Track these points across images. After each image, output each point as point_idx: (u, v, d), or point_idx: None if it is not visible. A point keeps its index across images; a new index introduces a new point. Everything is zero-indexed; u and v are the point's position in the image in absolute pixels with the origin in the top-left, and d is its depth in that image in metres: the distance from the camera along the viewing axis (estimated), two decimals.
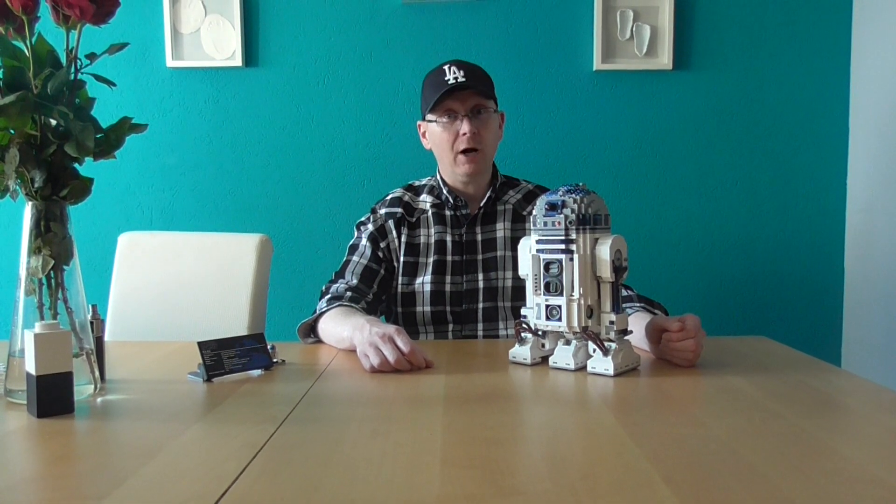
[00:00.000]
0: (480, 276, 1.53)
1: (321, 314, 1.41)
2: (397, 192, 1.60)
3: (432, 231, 1.55)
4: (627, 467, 0.70)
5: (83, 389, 0.98)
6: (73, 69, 0.95)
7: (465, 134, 1.46)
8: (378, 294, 1.51)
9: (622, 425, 0.83)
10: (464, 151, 1.47)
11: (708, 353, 1.19)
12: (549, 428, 0.86)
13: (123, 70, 2.26)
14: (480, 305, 1.53)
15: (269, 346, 1.18)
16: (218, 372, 1.10)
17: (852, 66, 2.28)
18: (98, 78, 0.98)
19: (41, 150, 0.94)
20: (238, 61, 2.27)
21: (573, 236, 1.08)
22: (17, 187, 0.96)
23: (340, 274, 1.52)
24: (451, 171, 1.52)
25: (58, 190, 0.96)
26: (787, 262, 2.33)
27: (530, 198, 1.57)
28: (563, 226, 1.08)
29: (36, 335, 0.88)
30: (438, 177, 1.58)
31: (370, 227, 1.56)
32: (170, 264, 1.77)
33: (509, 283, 1.52)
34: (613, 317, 1.08)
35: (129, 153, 2.23)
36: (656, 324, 1.17)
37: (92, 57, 0.96)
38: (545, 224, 1.10)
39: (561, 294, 1.09)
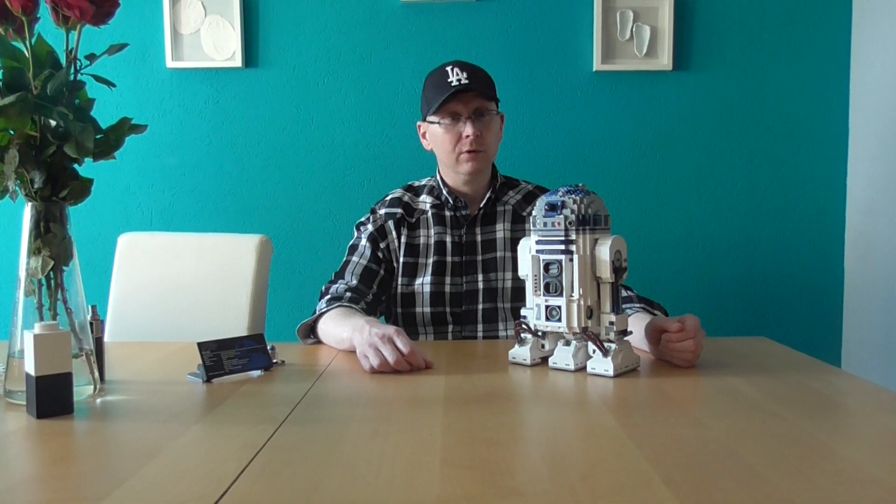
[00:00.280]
0: (480, 277, 1.53)
1: (321, 315, 1.41)
2: (397, 193, 1.60)
3: (432, 232, 1.55)
4: (627, 468, 0.70)
5: (83, 390, 0.97)
6: (72, 70, 0.95)
7: (468, 136, 1.45)
8: (377, 294, 1.51)
9: (622, 426, 0.83)
10: (466, 151, 1.47)
11: (708, 354, 1.19)
12: (549, 429, 0.86)
13: (123, 71, 2.26)
14: (480, 306, 1.53)
15: (268, 347, 1.18)
16: (218, 373, 1.10)
17: (852, 66, 2.28)
18: (98, 79, 0.98)
19: (41, 151, 0.94)
20: (238, 62, 2.27)
21: (573, 237, 1.08)
22: (17, 188, 0.96)
23: (340, 274, 1.52)
24: (453, 170, 1.52)
25: (57, 191, 0.96)
26: (787, 262, 2.33)
27: (530, 198, 1.57)
28: (562, 226, 1.08)
29: (35, 336, 0.87)
30: (438, 177, 1.58)
31: (370, 227, 1.55)
32: (170, 265, 1.77)
33: (509, 283, 1.52)
34: (613, 317, 1.08)
35: (129, 154, 2.23)
36: (656, 324, 1.17)
37: (92, 58, 0.96)
38: (545, 224, 1.10)
39: (561, 295, 1.09)
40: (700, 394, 0.99)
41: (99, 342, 1.05)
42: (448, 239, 1.54)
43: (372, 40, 2.29)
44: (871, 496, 0.63)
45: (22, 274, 0.96)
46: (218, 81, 2.31)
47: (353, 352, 1.22)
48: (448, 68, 1.48)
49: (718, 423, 0.84)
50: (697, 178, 2.32)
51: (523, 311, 1.17)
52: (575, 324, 1.08)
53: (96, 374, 1.01)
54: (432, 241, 1.54)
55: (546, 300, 1.11)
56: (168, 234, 1.86)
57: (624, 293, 1.37)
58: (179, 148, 2.32)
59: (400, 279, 1.54)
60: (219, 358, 1.11)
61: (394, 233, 1.54)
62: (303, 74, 2.30)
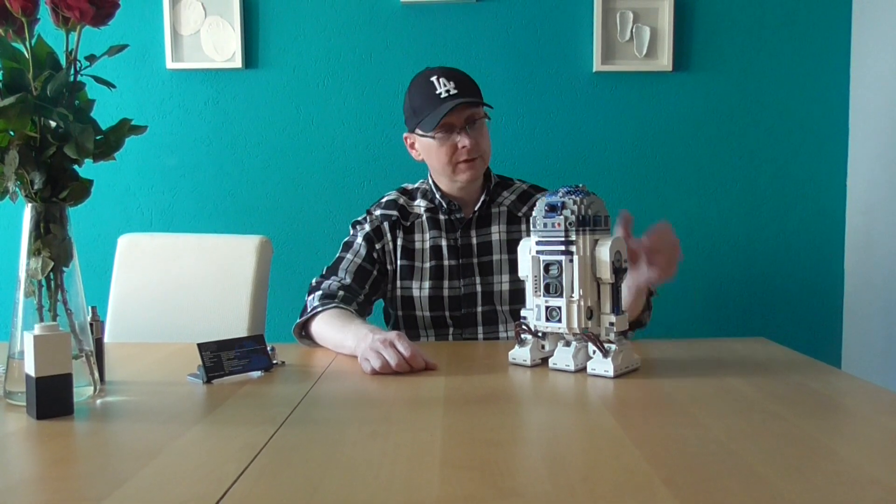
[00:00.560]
0: (478, 280, 1.53)
1: (314, 314, 1.39)
2: (392, 195, 1.59)
3: (427, 236, 1.54)
4: (627, 469, 0.70)
5: (83, 391, 0.97)
6: (72, 71, 0.95)
7: (464, 147, 1.44)
8: (369, 295, 1.50)
9: (622, 427, 0.83)
10: (463, 161, 1.45)
11: (708, 355, 1.19)
12: (549, 429, 0.86)
13: (123, 72, 2.27)
14: (479, 309, 1.52)
15: (268, 348, 1.18)
16: (218, 373, 1.10)
17: (852, 67, 2.28)
18: (98, 80, 0.98)
19: (41, 152, 0.94)
20: (238, 63, 2.27)
21: (573, 237, 1.08)
22: (17, 189, 0.96)
23: (333, 270, 1.50)
24: (450, 180, 1.50)
25: (57, 191, 0.96)
26: (787, 263, 2.33)
27: (525, 198, 1.56)
28: (562, 227, 1.08)
29: (35, 337, 0.87)
30: (430, 181, 1.56)
31: (367, 227, 1.54)
32: (170, 266, 1.77)
33: (507, 286, 1.52)
34: (613, 318, 1.08)
35: (129, 155, 2.23)
36: (630, 250, 1.15)
37: (91, 59, 0.96)
38: (545, 225, 1.10)
39: (561, 295, 1.09)
40: (700, 394, 0.99)
41: (99, 343, 1.05)
42: (444, 243, 1.53)
43: (372, 41, 2.29)
44: (871, 497, 0.63)
45: (22, 275, 0.96)
46: (218, 82, 2.31)
47: (354, 356, 1.22)
48: (433, 79, 1.45)
49: (718, 424, 0.84)
50: (697, 178, 2.32)
51: (523, 312, 1.17)
52: (575, 324, 1.08)
53: (96, 374, 1.01)
54: (428, 245, 1.53)
55: (546, 301, 1.11)
56: (168, 235, 1.86)
57: None
58: (179, 149, 2.32)
59: (399, 282, 1.53)
60: (219, 359, 1.11)
61: (389, 235, 1.53)
62: (303, 75, 2.31)
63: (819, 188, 2.32)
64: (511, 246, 1.52)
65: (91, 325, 1.03)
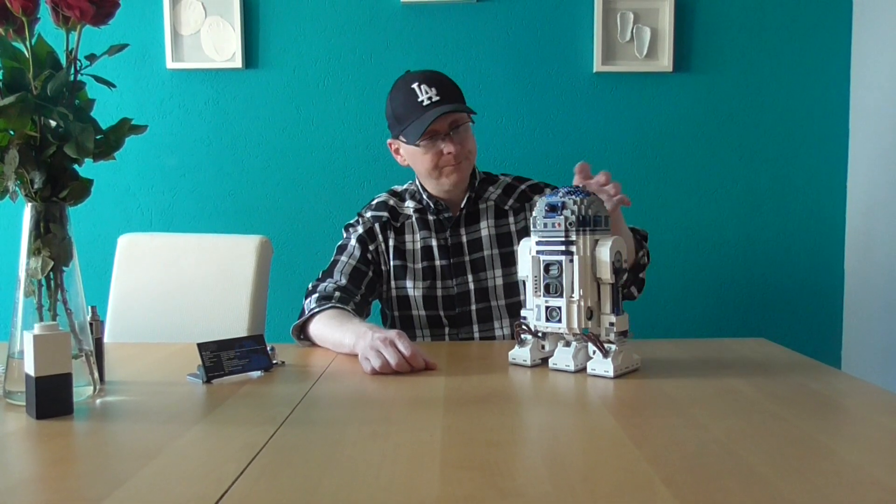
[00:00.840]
0: (470, 278, 1.53)
1: (312, 315, 1.39)
2: (382, 197, 1.60)
3: (418, 237, 1.54)
4: (627, 469, 0.70)
5: (82, 391, 0.97)
6: (72, 70, 0.95)
7: (450, 153, 1.44)
8: (365, 296, 1.50)
9: (622, 427, 0.83)
10: (450, 166, 1.46)
11: (708, 355, 1.19)
12: (549, 430, 0.86)
13: (123, 71, 2.27)
14: (473, 307, 1.53)
15: (268, 348, 1.18)
16: (217, 373, 1.10)
17: (852, 68, 2.28)
18: (98, 79, 0.98)
19: (41, 152, 0.94)
20: (238, 63, 2.27)
21: (573, 238, 1.08)
22: (17, 188, 0.96)
23: (329, 273, 1.50)
24: (436, 184, 1.51)
25: (57, 191, 0.96)
26: (787, 264, 2.33)
27: (510, 191, 1.57)
28: (563, 227, 1.08)
29: (35, 336, 0.87)
30: (418, 183, 1.57)
31: (359, 229, 1.55)
32: (169, 266, 1.77)
33: (500, 281, 1.52)
34: (613, 318, 1.08)
35: (129, 154, 2.23)
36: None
37: (92, 58, 0.96)
38: (545, 225, 1.10)
39: (561, 295, 1.09)
40: (700, 395, 0.99)
41: (99, 343, 1.05)
42: (434, 243, 1.54)
43: (372, 41, 2.29)
44: (871, 497, 0.63)
45: (22, 274, 0.96)
46: (218, 82, 2.31)
47: (353, 355, 1.22)
48: (415, 86, 1.45)
49: (718, 424, 0.84)
50: (698, 179, 2.32)
51: (523, 312, 1.17)
52: (575, 325, 1.08)
53: (96, 374, 1.00)
54: (419, 246, 1.54)
55: (546, 301, 1.11)
56: (168, 235, 1.86)
57: None
58: (179, 149, 2.32)
59: (393, 282, 1.54)
60: (218, 359, 1.11)
61: (380, 236, 1.54)
62: (303, 75, 2.31)
63: (819, 188, 2.32)
64: (501, 240, 1.53)
65: (91, 324, 1.03)
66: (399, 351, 1.13)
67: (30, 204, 0.96)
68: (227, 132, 2.32)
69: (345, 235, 1.57)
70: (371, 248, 1.53)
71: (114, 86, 1.00)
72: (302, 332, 1.42)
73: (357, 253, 1.52)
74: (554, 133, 2.30)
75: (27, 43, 0.93)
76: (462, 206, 1.53)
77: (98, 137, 0.97)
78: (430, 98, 1.43)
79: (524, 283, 1.16)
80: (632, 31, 2.26)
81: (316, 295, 1.44)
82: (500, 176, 1.61)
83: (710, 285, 2.33)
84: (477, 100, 2.27)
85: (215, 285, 1.73)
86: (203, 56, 2.28)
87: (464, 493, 0.64)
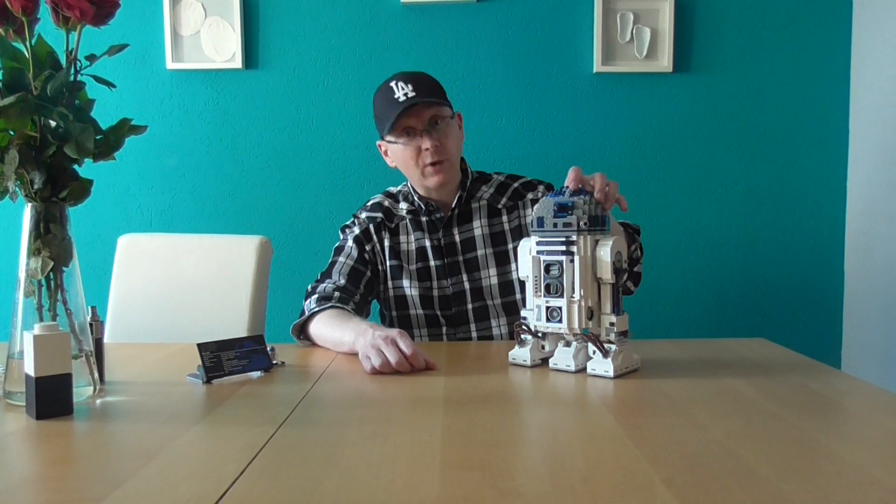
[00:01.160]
0: (465, 278, 1.53)
1: (312, 315, 1.40)
2: (377, 198, 1.60)
3: (412, 238, 1.55)
4: (627, 469, 0.70)
5: (82, 391, 0.97)
6: (72, 70, 0.95)
7: (427, 149, 1.44)
8: (364, 295, 1.51)
9: (622, 427, 0.83)
10: (430, 164, 1.46)
11: (708, 355, 1.19)
12: (549, 430, 0.86)
13: (123, 72, 2.27)
14: (470, 306, 1.53)
15: (268, 348, 1.18)
16: (217, 374, 1.10)
17: (852, 68, 2.28)
18: (98, 79, 0.98)
19: (41, 152, 0.94)
20: (238, 63, 2.27)
21: (573, 238, 1.08)
22: (17, 189, 0.96)
23: (327, 274, 1.51)
24: (421, 184, 1.51)
25: (57, 191, 0.96)
26: (787, 264, 2.33)
27: (503, 189, 1.57)
28: (575, 226, 1.08)
29: (35, 337, 0.87)
30: (409, 184, 1.57)
31: (356, 229, 1.56)
32: (169, 266, 1.77)
33: (495, 280, 1.52)
34: (614, 318, 1.08)
35: (129, 155, 2.23)
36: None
37: (92, 58, 0.96)
38: (555, 225, 1.10)
39: (561, 296, 1.09)
40: (700, 395, 0.99)
41: (99, 343, 1.05)
42: (427, 243, 1.54)
43: (372, 41, 2.29)
44: (871, 498, 0.63)
45: (22, 275, 0.96)
46: (218, 83, 2.31)
47: (353, 354, 1.22)
48: (392, 83, 1.46)
49: (718, 425, 0.84)
50: (698, 179, 2.32)
51: (523, 313, 1.17)
52: (576, 325, 1.08)
53: (96, 375, 1.00)
54: (413, 246, 1.55)
55: (547, 301, 1.11)
56: (168, 236, 1.86)
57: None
58: (179, 149, 2.32)
59: (390, 282, 1.54)
60: (218, 359, 1.11)
61: (375, 237, 1.55)
62: (303, 76, 2.31)
63: (819, 189, 2.32)
64: (494, 239, 1.53)
65: (91, 325, 1.03)
66: (400, 350, 1.13)
67: (30, 204, 0.96)
68: (227, 132, 2.32)
69: (341, 237, 1.58)
70: (368, 248, 1.54)
71: (114, 86, 1.00)
72: (302, 332, 1.42)
73: (354, 253, 1.53)
74: (554, 133, 2.30)
75: (27, 43, 0.93)
76: (453, 205, 1.54)
77: (98, 138, 0.97)
78: (405, 94, 1.43)
79: (523, 282, 1.16)
80: (632, 32, 2.26)
81: (315, 296, 1.44)
82: (494, 175, 1.61)
83: (710, 285, 2.33)
84: (477, 100, 2.27)
85: (215, 285, 1.73)
86: (203, 56, 2.28)
87: (463, 494, 0.64)
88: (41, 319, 0.95)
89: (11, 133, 0.94)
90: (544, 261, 1.11)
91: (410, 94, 1.43)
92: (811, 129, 2.31)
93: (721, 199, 2.33)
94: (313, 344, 1.40)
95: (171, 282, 1.75)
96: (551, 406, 0.96)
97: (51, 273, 0.96)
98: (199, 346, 1.10)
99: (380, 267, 1.55)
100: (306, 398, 0.99)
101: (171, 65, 2.28)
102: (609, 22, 2.25)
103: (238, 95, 2.31)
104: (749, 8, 2.28)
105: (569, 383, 1.06)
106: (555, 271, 1.09)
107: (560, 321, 1.09)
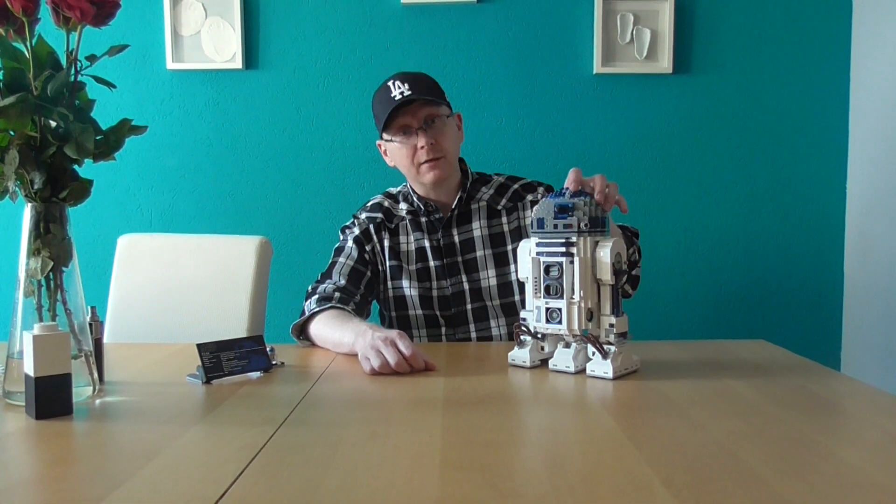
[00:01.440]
0: (464, 278, 1.53)
1: (312, 315, 1.40)
2: (377, 199, 1.61)
3: (411, 238, 1.55)
4: (627, 470, 0.70)
5: (82, 391, 0.97)
6: (73, 71, 0.95)
7: (422, 147, 1.45)
8: (365, 295, 1.51)
9: (621, 428, 0.83)
10: (425, 161, 1.47)
11: (707, 356, 1.19)
12: (549, 431, 0.86)
13: (123, 72, 2.27)
14: (469, 307, 1.53)
15: (268, 349, 1.18)
16: (217, 374, 1.10)
17: (852, 69, 2.28)
18: (98, 80, 0.98)
19: (41, 152, 0.94)
20: (238, 64, 2.27)
21: (573, 239, 1.08)
22: (17, 189, 0.96)
23: (327, 275, 1.51)
24: (418, 182, 1.52)
25: (57, 191, 0.96)
26: (786, 265, 2.33)
27: (503, 190, 1.57)
28: (576, 227, 1.08)
29: (35, 337, 0.87)
30: (409, 185, 1.58)
31: (356, 230, 1.56)
32: (169, 266, 1.77)
33: (493, 281, 1.52)
34: (613, 320, 1.08)
35: (129, 155, 2.23)
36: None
37: (92, 59, 0.96)
38: (555, 227, 1.10)
39: (561, 297, 1.09)
40: (700, 396, 0.99)
41: (98, 343, 1.05)
42: (427, 244, 1.54)
43: (372, 42, 2.29)
44: (871, 499, 0.63)
45: (21, 275, 0.96)
46: (218, 83, 2.31)
47: (353, 355, 1.22)
48: (390, 83, 1.47)
49: (718, 426, 0.84)
50: (698, 180, 2.32)
51: (523, 314, 1.17)
52: (575, 326, 1.08)
53: (95, 375, 1.00)
54: (412, 247, 1.55)
55: (546, 302, 1.11)
56: (168, 236, 1.86)
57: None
58: (179, 149, 2.32)
59: (390, 283, 1.54)
60: (218, 359, 1.11)
61: (375, 237, 1.55)
62: (303, 76, 2.31)
63: (819, 189, 2.32)
64: (494, 240, 1.53)
65: (90, 325, 1.03)
66: (399, 351, 1.13)
67: (30, 204, 0.97)
68: (227, 133, 2.32)
69: (341, 237, 1.58)
70: (367, 248, 1.54)
71: (114, 86, 1.00)
72: (302, 333, 1.42)
73: (354, 254, 1.53)
74: (554, 134, 2.30)
75: (27, 43, 0.93)
76: (453, 206, 1.54)
77: (98, 138, 0.97)
78: (401, 93, 1.44)
79: (523, 283, 1.16)
80: (632, 33, 2.26)
81: (316, 296, 1.44)
82: (494, 176, 1.62)
83: (710, 286, 2.33)
84: (477, 101, 2.28)
85: (215, 286, 1.73)
86: (203, 57, 2.28)
87: (463, 494, 0.64)
88: (41, 319, 0.96)
89: (11, 133, 0.94)
90: (544, 262, 1.11)
91: (406, 93, 1.44)
92: (811, 130, 2.31)
93: (721, 199, 2.33)
94: (313, 344, 1.40)
95: (171, 282, 1.75)
96: (551, 407, 0.96)
97: (50, 273, 0.96)
98: (199, 346, 1.10)
99: (380, 267, 1.55)
100: (306, 399, 0.99)
101: (171, 65, 2.28)
102: (609, 23, 2.25)
103: (238, 96, 2.31)
104: (749, 9, 2.28)
105: (568, 384, 1.06)
106: (554, 272, 1.10)
107: (560, 322, 1.09)
